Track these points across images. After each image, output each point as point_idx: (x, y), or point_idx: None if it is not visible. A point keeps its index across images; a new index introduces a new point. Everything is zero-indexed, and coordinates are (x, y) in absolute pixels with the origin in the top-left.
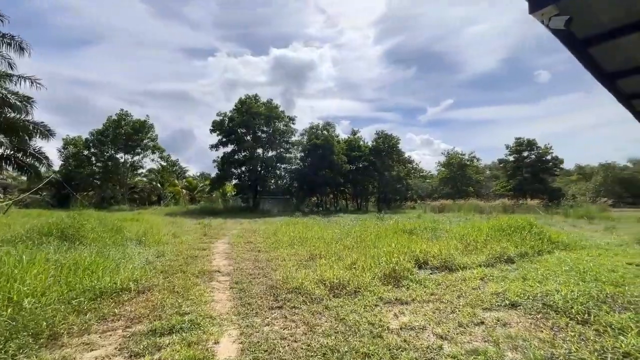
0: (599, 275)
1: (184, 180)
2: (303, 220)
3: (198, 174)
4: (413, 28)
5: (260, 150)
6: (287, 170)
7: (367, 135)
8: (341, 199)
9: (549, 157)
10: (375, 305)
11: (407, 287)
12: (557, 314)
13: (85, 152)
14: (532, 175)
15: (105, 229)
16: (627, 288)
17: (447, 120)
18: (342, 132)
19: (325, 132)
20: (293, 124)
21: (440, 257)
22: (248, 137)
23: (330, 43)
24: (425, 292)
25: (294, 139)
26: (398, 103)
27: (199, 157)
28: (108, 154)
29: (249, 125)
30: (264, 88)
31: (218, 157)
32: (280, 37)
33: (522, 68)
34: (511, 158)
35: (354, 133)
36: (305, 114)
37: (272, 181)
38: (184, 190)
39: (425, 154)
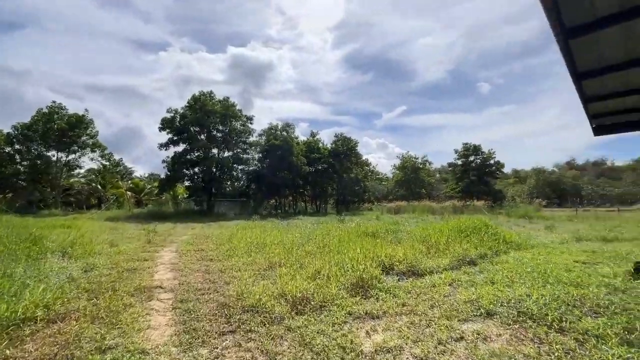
0: (559, 276)
1: (129, 181)
2: (261, 224)
3: (146, 175)
4: (369, 36)
5: (215, 150)
6: (244, 172)
7: (325, 138)
8: (300, 201)
9: (492, 162)
10: (345, 322)
11: (377, 298)
12: (534, 322)
13: (7, 149)
14: (478, 178)
15: (18, 239)
16: (590, 289)
17: (401, 126)
18: (301, 134)
19: (284, 133)
20: (251, 123)
21: (406, 261)
22: (202, 136)
23: (290, 45)
24: (396, 302)
25: (251, 139)
26: (355, 107)
27: (149, 157)
28: (36, 152)
29: (203, 123)
30: (220, 87)
31: (168, 156)
32: (238, 36)
33: (466, 80)
34: (459, 162)
35: (313, 135)
36: (264, 114)
37: (228, 183)
38: (128, 192)
39: (380, 157)
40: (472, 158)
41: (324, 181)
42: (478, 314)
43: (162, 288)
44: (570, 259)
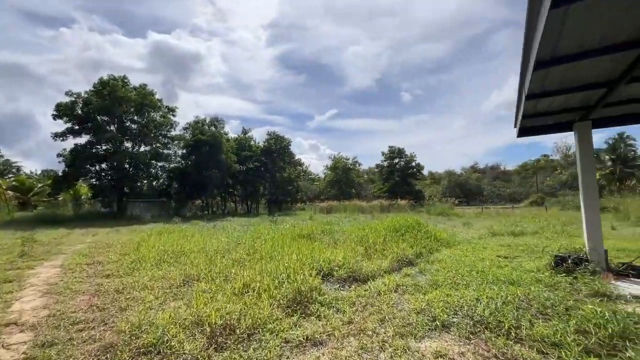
0: (495, 274)
1: (11, 178)
2: (182, 227)
3: (39, 172)
4: (304, 38)
5: (128, 144)
6: (164, 169)
7: (258, 137)
8: (230, 202)
9: (413, 164)
10: (280, 356)
11: (318, 315)
12: (492, 333)
13: None
14: (401, 179)
15: None
16: (532, 289)
17: (332, 128)
18: (231, 132)
19: (212, 128)
20: (173, 115)
21: (346, 265)
22: (112, 127)
23: (220, 38)
24: (341, 320)
25: (174, 133)
26: (288, 107)
27: (44, 150)
28: None
29: (113, 112)
30: (140, 75)
31: (65, 149)
32: (161, 21)
33: (390, 89)
34: (386, 164)
35: (244, 132)
36: (190, 108)
37: (145, 182)
38: (9, 192)
39: (312, 158)
40: (396, 160)
41: (255, 180)
42: (433, 326)
43: (17, 325)
44: (494, 254)
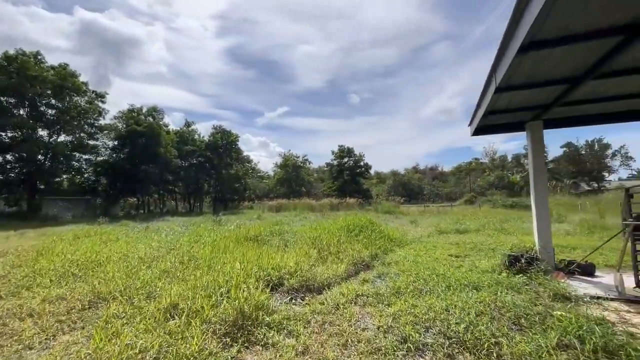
0: (456, 277)
1: None
2: (108, 229)
3: None
4: (254, 33)
5: (44, 132)
6: (90, 163)
7: (204, 131)
8: (170, 200)
9: (362, 163)
10: None
11: (265, 343)
12: (472, 355)
13: None
14: (351, 178)
15: None
16: (498, 295)
17: (283, 126)
18: (173, 124)
19: (150, 118)
20: (102, 102)
21: (298, 273)
22: (21, 111)
23: (163, 23)
24: (294, 348)
25: (103, 122)
26: (237, 102)
27: None
28: None
29: (21, 92)
30: (65, 55)
31: None
32: None
33: (340, 90)
34: (335, 162)
35: (188, 125)
36: (126, 97)
37: (65, 176)
38: None
39: (262, 155)
40: (346, 159)
41: (199, 177)
42: (405, 350)
43: None
44: (445, 253)
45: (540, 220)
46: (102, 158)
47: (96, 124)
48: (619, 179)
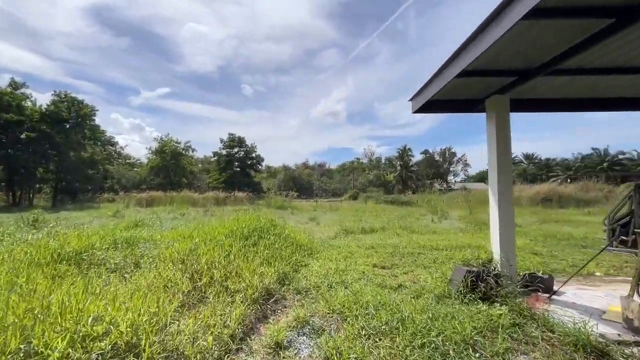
0: (411, 311)
1: None
2: None
3: None
4: None
5: None
6: None
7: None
8: None
9: (254, 155)
10: None
11: None
12: None
13: None
14: (241, 170)
15: None
16: (467, 331)
17: (163, 109)
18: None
19: None
20: None
21: (140, 334)
22: None
23: None
24: None
25: None
26: (104, 75)
27: None
28: None
29: None
30: None
31: None
32: None
33: (233, 79)
34: (224, 152)
35: (15, 86)
36: None
37: None
38: None
39: (135, 140)
40: (236, 150)
41: (31, 158)
42: None
43: None
44: (368, 262)
45: (504, 224)
46: None
47: None
48: (461, 180)
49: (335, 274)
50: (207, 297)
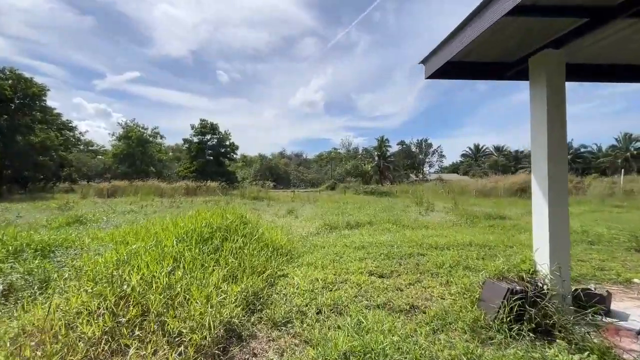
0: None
1: None
2: None
3: None
4: None
5: None
6: None
7: None
8: None
9: (228, 143)
10: None
11: None
12: None
13: None
14: (214, 158)
15: None
16: None
17: (132, 94)
18: None
19: None
20: None
21: None
22: None
23: None
24: None
25: None
26: (66, 56)
27: None
28: None
29: None
30: None
31: None
32: None
33: (207, 65)
34: (196, 139)
35: None
36: None
37: None
38: None
39: (100, 126)
40: (209, 137)
41: None
42: None
43: None
44: (362, 269)
45: (556, 226)
46: None
47: None
48: (435, 171)
49: (323, 288)
50: (128, 348)
